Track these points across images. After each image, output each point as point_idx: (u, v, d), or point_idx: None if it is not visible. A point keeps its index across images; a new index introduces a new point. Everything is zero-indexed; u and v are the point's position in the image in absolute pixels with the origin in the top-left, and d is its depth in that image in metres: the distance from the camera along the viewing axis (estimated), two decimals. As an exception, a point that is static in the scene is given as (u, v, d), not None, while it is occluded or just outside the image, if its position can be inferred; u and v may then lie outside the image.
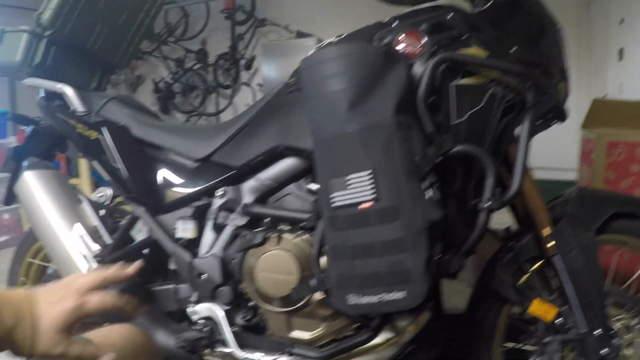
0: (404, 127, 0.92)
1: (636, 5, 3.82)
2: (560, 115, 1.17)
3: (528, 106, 1.07)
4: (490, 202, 1.01)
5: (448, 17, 1.04)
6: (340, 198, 0.93)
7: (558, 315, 1.17)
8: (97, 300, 0.67)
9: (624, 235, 1.22)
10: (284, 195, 1.20)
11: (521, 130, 1.06)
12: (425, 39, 1.01)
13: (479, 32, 1.05)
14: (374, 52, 0.94)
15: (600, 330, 1.15)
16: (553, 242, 1.17)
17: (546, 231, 1.19)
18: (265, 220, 1.18)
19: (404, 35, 1.02)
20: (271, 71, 5.52)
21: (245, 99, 6.23)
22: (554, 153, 3.67)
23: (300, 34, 5.47)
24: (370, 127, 0.91)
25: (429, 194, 0.92)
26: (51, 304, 0.65)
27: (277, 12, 5.95)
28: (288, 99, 1.15)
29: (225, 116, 6.30)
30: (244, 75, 6.32)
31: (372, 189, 0.90)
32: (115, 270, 0.73)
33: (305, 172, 1.17)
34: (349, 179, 0.91)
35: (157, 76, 6.46)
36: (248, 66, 6.11)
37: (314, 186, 1.14)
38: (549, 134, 1.24)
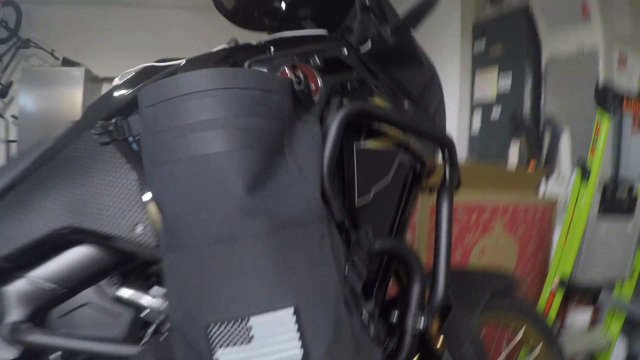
0: (329, 222, 0.59)
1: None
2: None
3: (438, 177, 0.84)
4: (423, 322, 0.74)
5: (344, 52, 0.75)
6: (235, 358, 0.53)
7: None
8: None
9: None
10: (77, 307, 0.74)
11: (437, 211, 0.82)
12: (319, 79, 0.70)
13: (376, 79, 0.79)
14: (282, 86, 0.59)
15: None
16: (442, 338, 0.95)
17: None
18: (52, 357, 0.70)
19: (287, 69, 0.69)
20: (29, 102, 4.78)
21: (-4, 133, 5.37)
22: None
23: (67, 62, 4.87)
24: (286, 224, 0.54)
25: (371, 328, 0.60)
26: None
27: (44, 34, 5.21)
28: (91, 152, 0.71)
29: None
30: (-4, 104, 5.37)
31: (296, 338, 0.52)
32: None
33: (110, 270, 0.75)
34: (253, 324, 0.52)
35: None
36: (3, 93, 5.17)
37: (126, 292, 0.73)
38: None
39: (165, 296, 0.69)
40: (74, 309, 0.74)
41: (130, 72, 0.77)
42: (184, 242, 0.54)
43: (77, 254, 0.73)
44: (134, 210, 0.67)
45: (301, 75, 0.60)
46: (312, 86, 0.67)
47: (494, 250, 1.95)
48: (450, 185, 0.82)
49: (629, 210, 1.86)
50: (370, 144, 0.73)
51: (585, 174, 1.79)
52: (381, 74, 0.81)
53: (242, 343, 0.51)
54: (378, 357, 0.60)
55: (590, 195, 1.80)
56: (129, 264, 0.74)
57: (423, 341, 0.96)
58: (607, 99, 1.68)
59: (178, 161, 0.54)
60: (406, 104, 0.84)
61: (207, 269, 0.53)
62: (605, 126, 1.76)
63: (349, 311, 0.56)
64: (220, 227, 0.52)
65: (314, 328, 0.52)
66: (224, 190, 0.53)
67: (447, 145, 0.81)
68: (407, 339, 0.74)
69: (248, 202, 0.52)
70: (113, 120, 0.64)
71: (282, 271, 0.52)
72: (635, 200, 1.86)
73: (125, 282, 0.75)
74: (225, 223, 0.52)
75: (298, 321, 0.51)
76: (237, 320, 0.51)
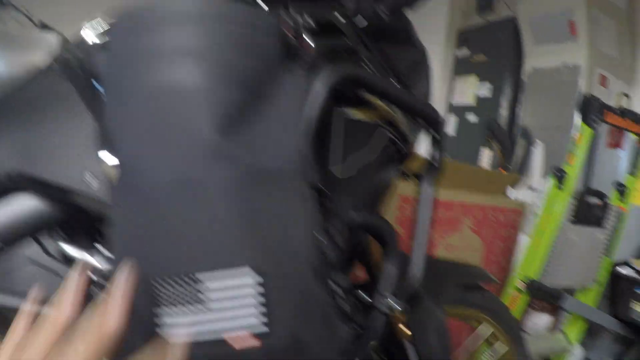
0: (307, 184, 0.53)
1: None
2: None
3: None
4: (398, 303, 0.70)
5: (339, 18, 0.71)
6: (181, 321, 0.46)
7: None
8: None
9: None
10: (14, 263, 0.68)
11: (420, 192, 0.79)
12: (309, 40, 0.66)
13: (368, 52, 0.75)
14: (272, 26, 0.53)
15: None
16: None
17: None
18: None
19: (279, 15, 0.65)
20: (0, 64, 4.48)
21: (-43, 94, 4.94)
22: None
23: (44, 26, 4.54)
24: (259, 176, 0.48)
25: (342, 304, 0.56)
26: None
27: (23, -6, 4.99)
28: (48, 91, 0.65)
29: None
30: (-40, 65, 5.04)
31: (258, 304, 0.45)
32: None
33: (53, 223, 0.67)
34: (204, 283, 0.45)
35: None
36: (-26, 54, 4.88)
37: (70, 250, 0.66)
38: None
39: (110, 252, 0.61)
40: (10, 265, 0.68)
41: (103, 17, 0.70)
42: (135, 185, 0.47)
43: (16, 204, 0.66)
44: (87, 160, 0.60)
45: (300, 20, 0.55)
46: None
47: (459, 249, 1.95)
48: (437, 166, 0.79)
49: (600, 219, 1.89)
50: (356, 113, 0.70)
51: (561, 180, 1.80)
52: (373, 48, 0.78)
53: (190, 303, 0.44)
54: (345, 336, 0.56)
55: (565, 202, 1.82)
56: (76, 219, 0.67)
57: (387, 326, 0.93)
58: (592, 108, 1.70)
59: (141, 89, 0.47)
60: (394, 82, 0.81)
61: (158, 217, 0.46)
62: (587, 135, 1.78)
63: (321, 283, 0.51)
64: (181, 168, 0.45)
65: (280, 296, 0.46)
66: (191, 127, 0.45)
67: (436, 124, 0.77)
68: (378, 320, 0.70)
69: (218, 143, 0.45)
70: (79, 55, 0.57)
71: (246, 226, 0.46)
72: (606, 210, 1.89)
73: (70, 240, 0.68)
74: (187, 164, 0.45)
75: (263, 286, 0.45)
76: (185, 277, 0.44)
